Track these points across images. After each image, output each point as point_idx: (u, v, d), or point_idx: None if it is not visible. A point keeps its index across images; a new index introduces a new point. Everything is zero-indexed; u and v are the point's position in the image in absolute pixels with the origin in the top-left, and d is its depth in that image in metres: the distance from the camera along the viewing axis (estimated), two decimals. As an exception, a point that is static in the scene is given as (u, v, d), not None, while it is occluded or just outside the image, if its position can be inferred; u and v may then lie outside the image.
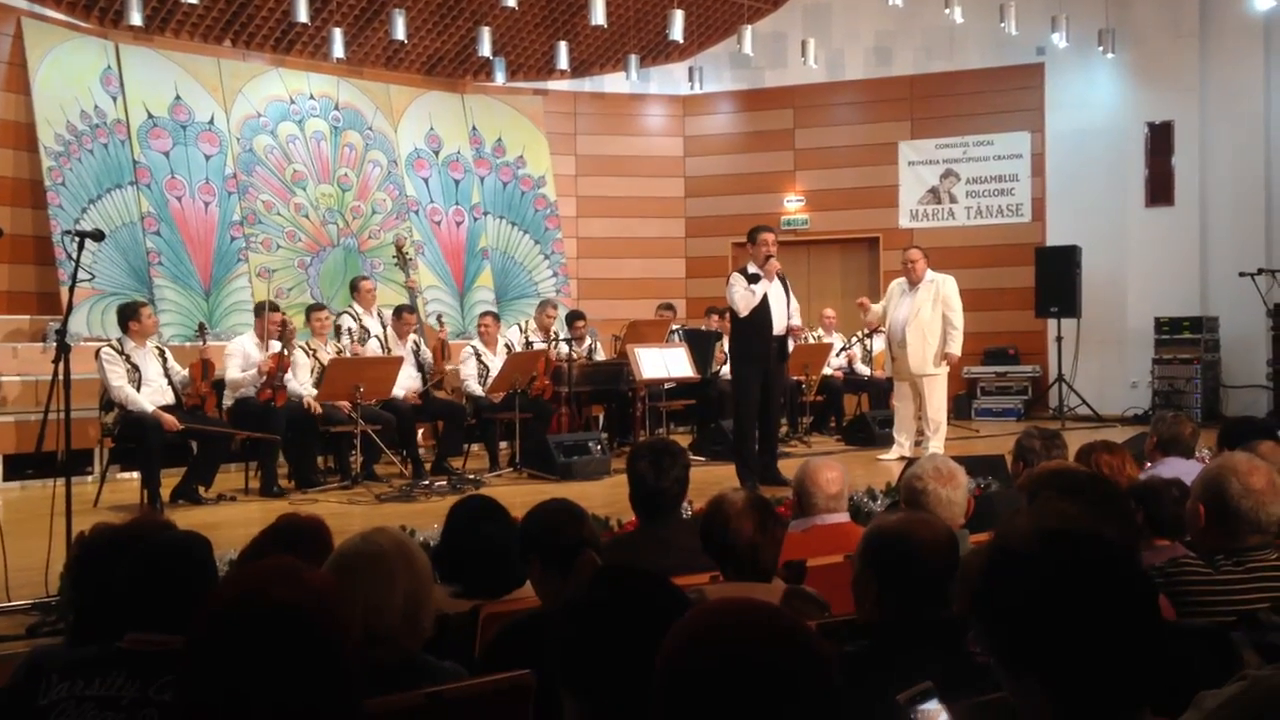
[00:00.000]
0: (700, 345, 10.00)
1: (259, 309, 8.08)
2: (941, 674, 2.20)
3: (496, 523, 3.27)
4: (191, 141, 10.83)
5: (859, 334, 11.56)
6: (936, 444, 8.35)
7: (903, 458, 8.14)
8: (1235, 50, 11.99)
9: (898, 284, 8.81)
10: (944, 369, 8.56)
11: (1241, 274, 10.83)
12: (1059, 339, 11.84)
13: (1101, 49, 11.95)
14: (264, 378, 7.56)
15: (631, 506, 3.91)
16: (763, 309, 7.42)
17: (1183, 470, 4.13)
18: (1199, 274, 12.01)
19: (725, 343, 9.91)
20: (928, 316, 8.49)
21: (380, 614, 2.27)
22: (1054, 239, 12.48)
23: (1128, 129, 12.31)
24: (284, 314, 8.35)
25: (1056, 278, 11.88)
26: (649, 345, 9.50)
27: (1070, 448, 4.34)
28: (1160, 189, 12.17)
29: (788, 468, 7.22)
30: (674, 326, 10.99)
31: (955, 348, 8.51)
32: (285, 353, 7.67)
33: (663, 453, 3.81)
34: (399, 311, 9.00)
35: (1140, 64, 12.23)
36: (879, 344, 10.49)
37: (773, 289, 7.50)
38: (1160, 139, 12.16)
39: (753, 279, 7.45)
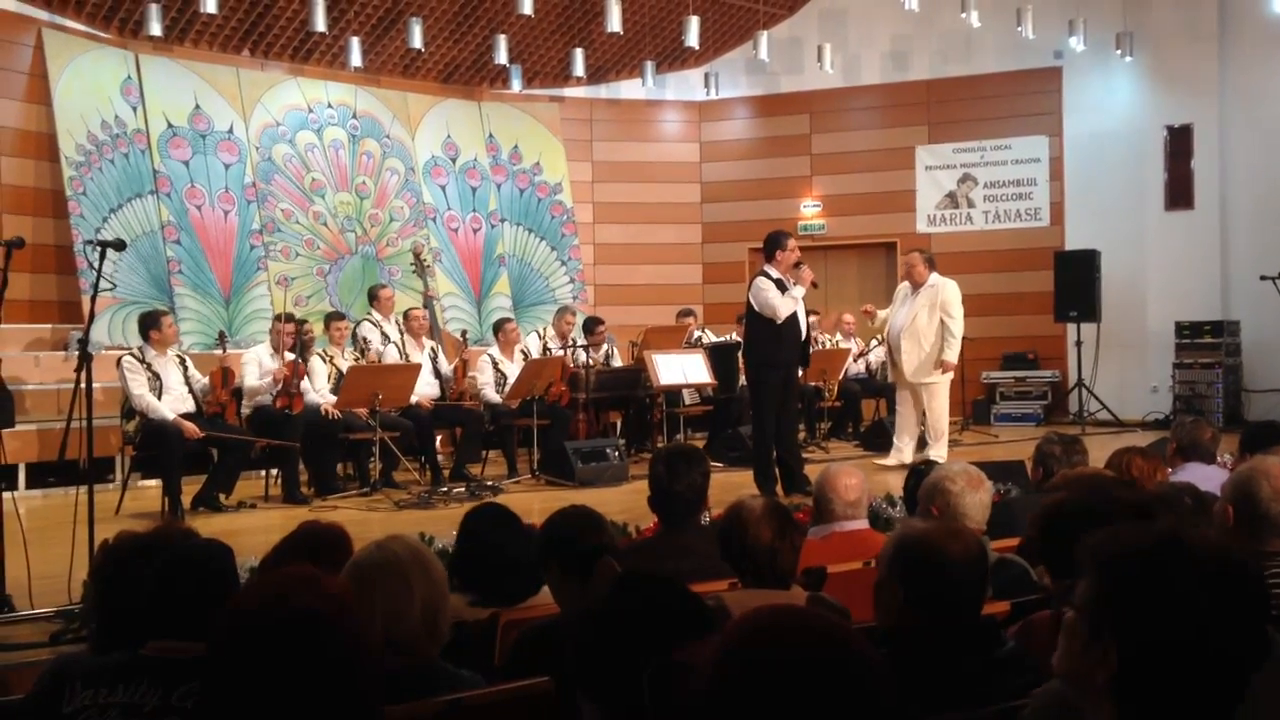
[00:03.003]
0: (724, 359, 9.87)
1: (275, 319, 8.12)
2: (964, 681, 2.19)
3: (508, 531, 3.28)
4: (211, 150, 10.90)
5: (877, 338, 11.47)
6: (940, 451, 8.14)
7: (902, 464, 7.89)
8: (1254, 52, 11.92)
9: (902, 288, 8.62)
10: (944, 377, 8.28)
11: (1263, 277, 10.71)
12: (1078, 343, 11.76)
13: (1119, 52, 11.90)
14: (278, 385, 7.59)
15: (650, 508, 3.92)
16: (793, 315, 7.28)
17: (1204, 476, 4.11)
18: (1219, 277, 11.93)
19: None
20: (924, 322, 8.22)
21: (398, 621, 2.28)
22: (1073, 243, 12.41)
23: (1146, 132, 12.25)
24: (299, 323, 8.30)
25: (1076, 282, 11.81)
26: (666, 351, 9.48)
27: (1091, 453, 4.31)
28: (1180, 192, 12.10)
29: (808, 474, 7.21)
30: (697, 332, 10.95)
31: (951, 355, 8.19)
32: (300, 360, 7.70)
33: (679, 457, 3.81)
34: (407, 312, 9.08)
35: (1159, 67, 12.16)
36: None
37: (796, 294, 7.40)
38: (1179, 142, 12.10)
39: (778, 284, 7.27)
